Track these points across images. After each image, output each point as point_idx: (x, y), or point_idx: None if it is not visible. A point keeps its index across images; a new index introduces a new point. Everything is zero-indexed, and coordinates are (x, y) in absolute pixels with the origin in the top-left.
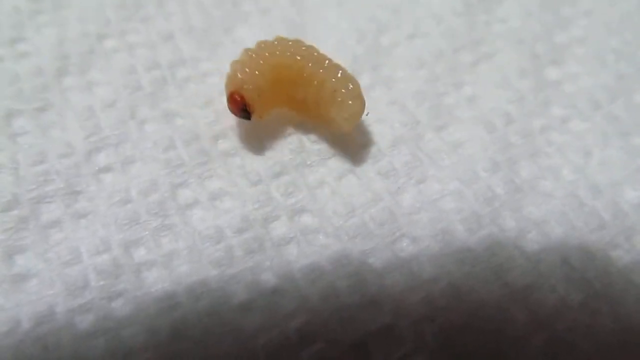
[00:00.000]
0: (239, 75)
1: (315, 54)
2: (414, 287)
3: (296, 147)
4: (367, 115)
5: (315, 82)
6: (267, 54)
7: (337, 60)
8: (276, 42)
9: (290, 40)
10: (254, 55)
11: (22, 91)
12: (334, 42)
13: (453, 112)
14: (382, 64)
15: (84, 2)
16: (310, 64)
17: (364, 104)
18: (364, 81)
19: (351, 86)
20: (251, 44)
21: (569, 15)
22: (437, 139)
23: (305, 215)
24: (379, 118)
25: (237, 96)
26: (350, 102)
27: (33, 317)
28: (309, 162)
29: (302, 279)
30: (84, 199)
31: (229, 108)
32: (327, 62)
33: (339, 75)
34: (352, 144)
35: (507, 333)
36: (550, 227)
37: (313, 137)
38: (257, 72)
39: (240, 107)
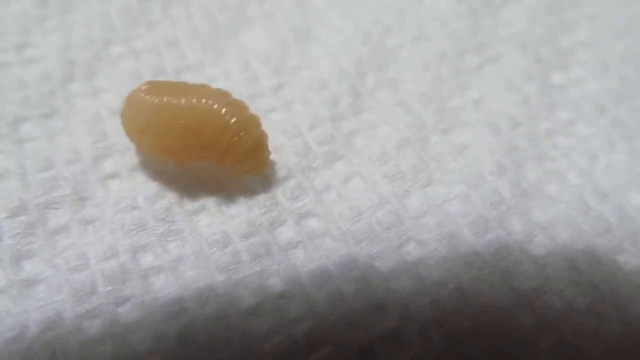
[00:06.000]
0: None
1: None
2: (421, 291)
3: (302, 150)
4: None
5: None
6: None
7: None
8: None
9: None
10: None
11: (29, 97)
12: (338, 44)
13: (459, 115)
14: (387, 65)
15: (89, 8)
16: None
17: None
18: (369, 82)
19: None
20: (256, 48)
21: (574, 20)
22: (443, 142)
23: (312, 219)
24: (385, 120)
25: None
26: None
27: (41, 322)
28: (314, 165)
29: (309, 284)
30: (91, 205)
31: None
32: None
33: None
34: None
35: (514, 337)
36: (557, 231)
37: (319, 139)
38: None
39: None
